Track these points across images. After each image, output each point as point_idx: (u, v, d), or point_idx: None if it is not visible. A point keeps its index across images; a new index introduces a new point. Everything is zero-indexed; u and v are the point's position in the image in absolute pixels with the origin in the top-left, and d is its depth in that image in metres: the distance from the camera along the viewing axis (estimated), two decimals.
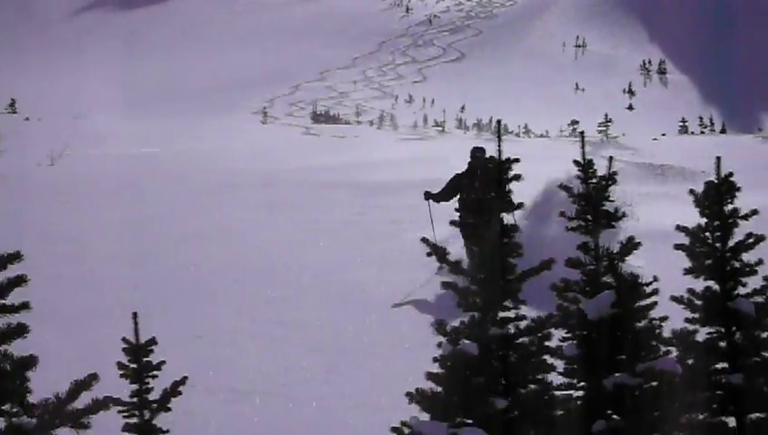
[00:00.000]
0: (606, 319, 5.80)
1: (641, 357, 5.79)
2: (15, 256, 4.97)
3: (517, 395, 5.67)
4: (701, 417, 6.06)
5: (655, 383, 5.76)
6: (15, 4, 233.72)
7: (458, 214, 15.21)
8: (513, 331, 5.75)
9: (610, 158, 6.23)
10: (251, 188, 24.94)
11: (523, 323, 5.77)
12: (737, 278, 6.29)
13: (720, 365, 6.24)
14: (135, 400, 5.60)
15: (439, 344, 5.40)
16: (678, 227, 6.36)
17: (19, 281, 4.95)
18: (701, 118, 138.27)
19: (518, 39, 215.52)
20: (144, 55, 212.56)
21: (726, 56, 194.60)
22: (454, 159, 21.05)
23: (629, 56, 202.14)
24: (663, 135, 69.17)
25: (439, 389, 5.36)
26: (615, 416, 5.78)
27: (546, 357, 5.80)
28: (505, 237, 5.78)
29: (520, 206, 5.96)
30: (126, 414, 5.60)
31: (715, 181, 6.29)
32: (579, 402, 5.87)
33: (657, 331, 5.89)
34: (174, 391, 5.64)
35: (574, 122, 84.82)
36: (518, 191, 5.90)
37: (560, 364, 5.89)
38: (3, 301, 4.93)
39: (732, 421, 6.20)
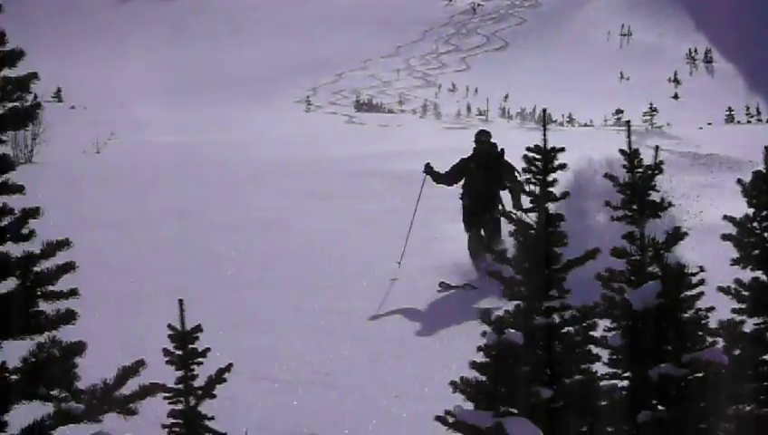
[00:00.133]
0: (651, 309, 5.77)
1: (687, 348, 5.76)
2: (64, 243, 5.02)
3: (562, 385, 5.66)
4: (748, 408, 6.01)
5: (701, 374, 5.72)
6: None
7: (462, 201, 15.07)
8: (557, 320, 5.75)
9: (656, 147, 6.19)
10: (294, 176, 25.02)
11: (567, 313, 5.76)
12: None
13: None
14: (180, 386, 5.63)
15: (484, 334, 5.40)
16: (726, 217, 6.30)
17: (68, 268, 5.00)
18: (747, 107, 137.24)
19: (562, 27, 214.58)
20: (189, 43, 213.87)
21: None
22: None
23: (675, 45, 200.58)
24: (709, 124, 68.66)
25: (484, 378, 5.35)
26: (660, 407, 5.76)
27: (591, 347, 5.79)
28: (550, 227, 5.78)
29: (565, 195, 5.94)
30: (171, 400, 5.64)
31: (764, 171, 6.22)
32: (624, 393, 5.85)
33: (704, 321, 5.85)
34: (219, 377, 5.66)
35: (619, 111, 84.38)
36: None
37: (605, 354, 5.88)
38: (52, 287, 4.98)
39: None
